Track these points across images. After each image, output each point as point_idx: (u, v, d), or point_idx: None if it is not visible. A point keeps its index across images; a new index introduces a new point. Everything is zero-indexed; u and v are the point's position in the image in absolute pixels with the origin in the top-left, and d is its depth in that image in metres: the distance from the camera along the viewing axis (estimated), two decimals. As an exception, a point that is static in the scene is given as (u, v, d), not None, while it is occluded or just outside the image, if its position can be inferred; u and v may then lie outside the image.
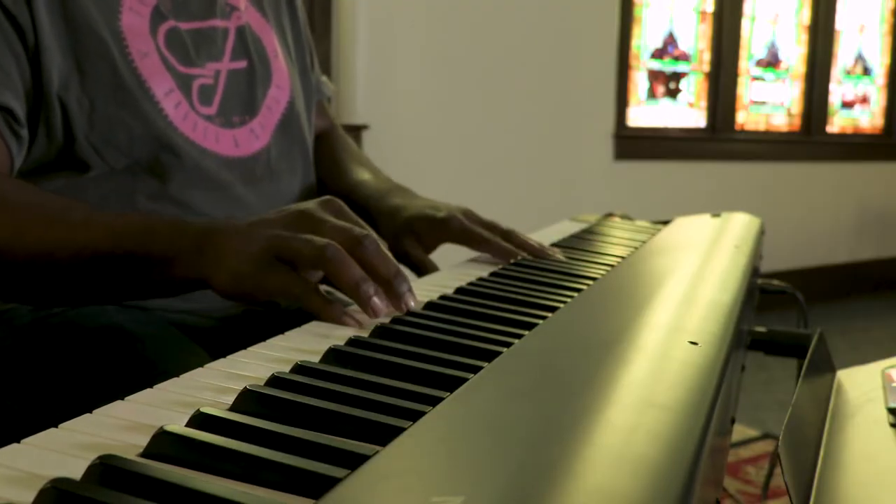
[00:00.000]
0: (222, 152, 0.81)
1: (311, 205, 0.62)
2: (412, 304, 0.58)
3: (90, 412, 0.37)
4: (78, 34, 0.72)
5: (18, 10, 0.70)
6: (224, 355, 0.47)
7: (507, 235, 0.82)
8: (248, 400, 0.39)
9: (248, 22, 0.87)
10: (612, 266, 0.78)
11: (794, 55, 4.15)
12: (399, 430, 0.36)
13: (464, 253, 0.85)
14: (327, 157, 1.02)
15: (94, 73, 0.73)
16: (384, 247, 0.60)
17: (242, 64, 0.85)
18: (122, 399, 0.39)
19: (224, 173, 0.81)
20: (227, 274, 0.59)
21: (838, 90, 4.31)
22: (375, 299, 0.55)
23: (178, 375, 0.43)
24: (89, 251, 0.64)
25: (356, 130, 2.69)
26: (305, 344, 0.50)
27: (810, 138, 4.17)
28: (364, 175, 0.98)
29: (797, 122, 4.18)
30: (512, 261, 0.79)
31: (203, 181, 0.79)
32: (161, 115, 0.76)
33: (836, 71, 4.27)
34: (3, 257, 0.65)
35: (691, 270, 0.74)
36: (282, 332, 0.53)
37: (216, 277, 0.60)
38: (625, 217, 1.21)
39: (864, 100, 4.46)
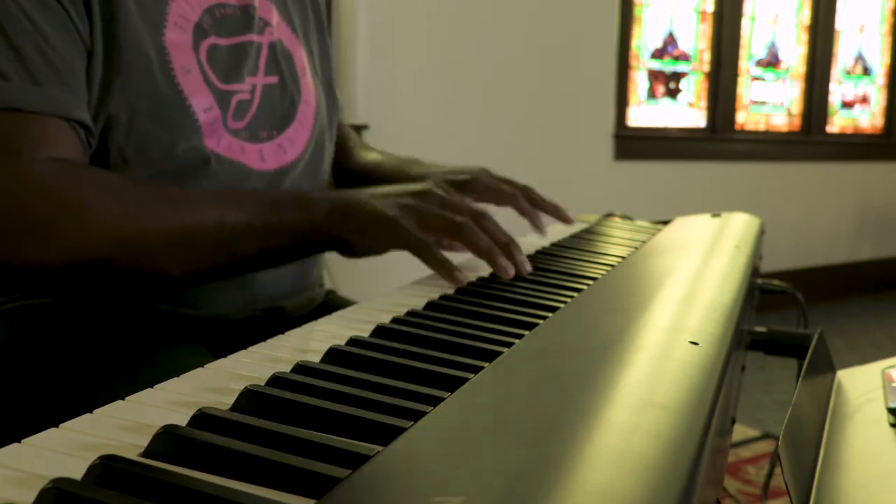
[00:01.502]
0: (248, 164, 0.81)
1: (427, 185, 0.75)
2: (528, 268, 0.73)
3: (90, 412, 0.37)
4: (122, 49, 0.71)
5: (82, 22, 0.69)
6: (226, 354, 0.47)
7: (526, 191, 0.94)
8: (248, 400, 0.39)
9: (279, 38, 0.87)
10: (612, 266, 0.78)
11: (794, 55, 4.15)
12: (399, 430, 0.36)
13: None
14: (344, 158, 1.06)
15: (135, 89, 0.72)
16: (491, 218, 0.74)
17: (274, 79, 0.85)
18: (123, 399, 0.39)
19: (245, 185, 0.81)
20: (362, 233, 0.72)
21: (838, 90, 4.31)
22: (504, 260, 0.71)
23: (178, 375, 0.44)
24: (226, 227, 0.69)
25: (356, 130, 2.69)
26: (305, 344, 0.51)
27: (810, 138, 4.17)
28: (376, 155, 1.06)
29: (797, 122, 4.18)
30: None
31: (223, 188, 0.79)
32: (199, 133, 0.75)
33: (836, 71, 4.27)
34: (144, 247, 0.67)
35: (691, 270, 0.74)
36: (282, 331, 0.53)
37: (352, 235, 0.72)
38: (625, 217, 1.21)
39: (864, 100, 4.46)
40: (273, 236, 0.71)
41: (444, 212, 0.71)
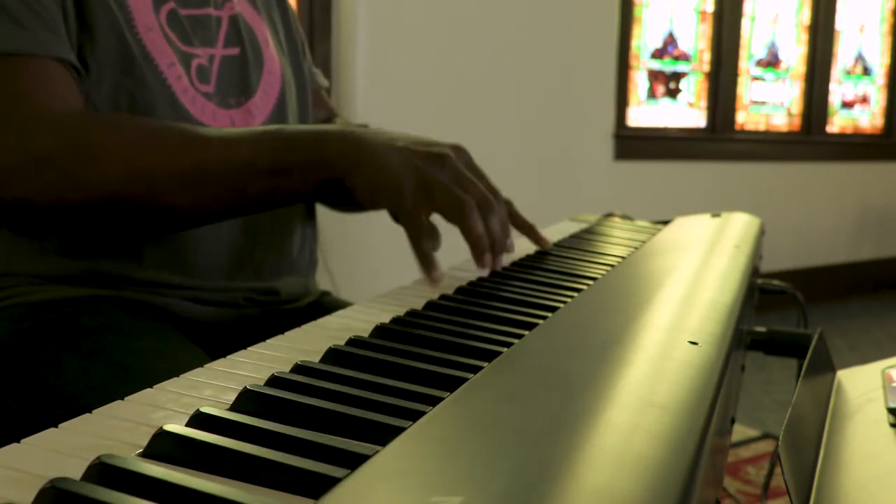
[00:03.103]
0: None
1: (447, 150, 0.72)
2: (489, 266, 0.70)
3: (90, 412, 0.37)
4: (90, 5, 0.74)
5: None
6: (222, 355, 0.47)
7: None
8: (248, 400, 0.39)
9: (240, 12, 0.90)
10: (612, 266, 0.78)
11: (794, 55, 4.15)
12: (399, 430, 0.36)
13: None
14: None
15: (104, 41, 0.75)
16: (502, 210, 0.72)
17: (235, 51, 0.87)
18: (122, 399, 0.39)
19: None
20: (366, 183, 0.69)
21: (838, 90, 4.31)
22: (488, 256, 0.69)
23: (176, 375, 0.43)
24: (234, 166, 0.69)
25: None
26: (305, 344, 0.50)
27: (810, 138, 4.17)
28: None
29: (797, 122, 4.18)
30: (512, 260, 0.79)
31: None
32: (165, 85, 0.78)
33: (836, 71, 4.27)
34: (152, 183, 0.68)
35: (691, 270, 0.74)
36: (279, 331, 0.53)
37: (358, 183, 0.69)
38: (625, 217, 1.21)
39: (864, 100, 4.46)
40: (284, 175, 0.70)
41: (453, 188, 0.69)
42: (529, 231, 0.85)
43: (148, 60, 0.77)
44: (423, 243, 0.67)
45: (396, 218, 0.76)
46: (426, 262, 0.67)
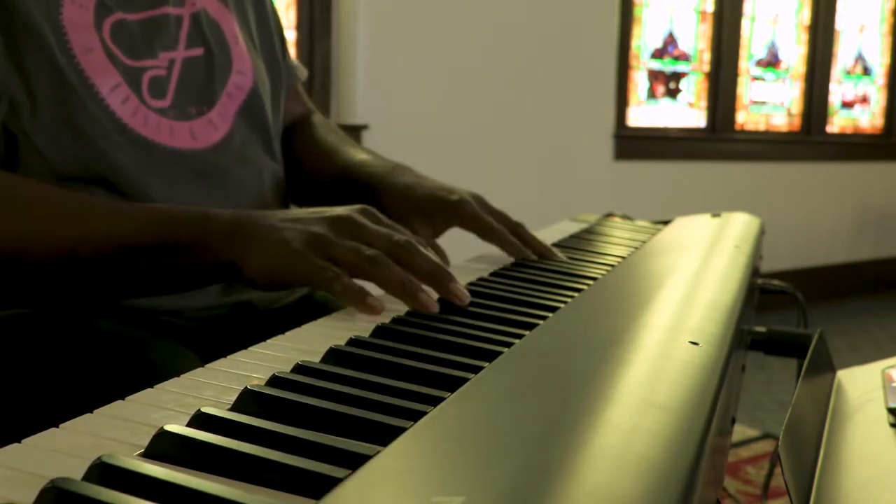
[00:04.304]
0: (178, 145, 0.78)
1: (347, 210, 0.64)
2: (465, 298, 0.60)
3: (90, 412, 0.37)
4: (15, 29, 0.69)
5: None
6: (211, 357, 0.47)
7: (515, 229, 0.82)
8: (248, 400, 0.39)
9: (203, 8, 0.84)
10: (612, 266, 0.78)
11: (794, 55, 4.15)
12: (399, 430, 0.36)
13: (468, 245, 0.84)
14: (312, 142, 0.98)
15: (35, 72, 0.69)
16: (423, 248, 0.63)
17: (199, 51, 0.81)
18: (123, 399, 0.39)
19: (177, 169, 0.78)
20: (261, 261, 0.62)
21: (838, 90, 4.31)
22: (421, 294, 0.58)
23: (163, 379, 0.43)
24: (113, 243, 0.64)
25: (356, 130, 2.69)
26: (305, 344, 0.50)
27: (810, 138, 4.17)
28: (361, 155, 0.94)
29: (797, 122, 4.18)
30: (514, 260, 0.79)
31: (156, 178, 0.76)
32: (108, 112, 0.73)
33: (836, 71, 4.27)
34: (21, 257, 0.64)
35: (691, 270, 0.74)
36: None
37: (248, 263, 0.62)
38: (625, 217, 1.21)
39: (864, 100, 4.46)
40: (166, 256, 0.64)
41: (354, 244, 0.61)
42: (545, 252, 0.80)
43: (87, 87, 0.72)
44: (344, 282, 0.59)
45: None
46: (357, 296, 0.58)
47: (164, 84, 0.78)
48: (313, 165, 0.95)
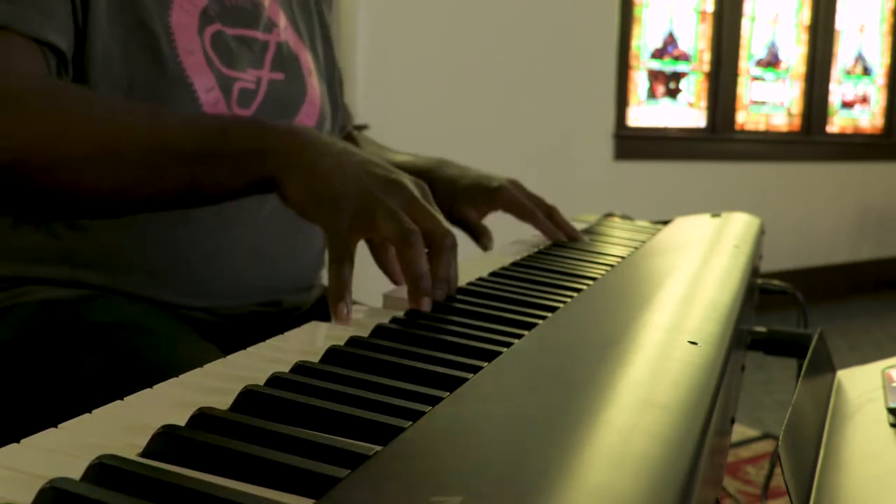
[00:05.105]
0: None
1: (407, 178, 0.62)
2: (427, 308, 0.58)
3: (90, 412, 0.37)
4: (129, 23, 0.73)
5: None
6: (235, 350, 0.47)
7: (550, 212, 0.94)
8: (248, 400, 0.39)
9: (286, 40, 0.89)
10: (612, 266, 0.78)
11: (794, 55, 4.15)
12: (399, 430, 0.36)
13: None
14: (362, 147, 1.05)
15: (139, 61, 0.73)
16: (454, 251, 0.62)
17: (280, 76, 0.86)
18: (122, 399, 0.39)
19: None
20: (303, 187, 0.59)
21: (838, 90, 4.32)
22: (426, 298, 0.58)
23: (189, 370, 0.44)
24: (156, 143, 0.62)
25: (356, 130, 2.69)
26: (305, 344, 0.51)
27: (810, 138, 4.17)
28: (405, 156, 1.04)
29: (797, 122, 4.18)
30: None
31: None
32: (199, 109, 0.77)
33: (836, 71, 4.27)
34: (62, 150, 0.61)
35: (691, 270, 0.74)
36: (288, 327, 0.53)
37: (290, 183, 0.60)
38: (625, 217, 1.21)
39: (864, 100, 4.46)
40: (209, 163, 0.61)
41: (399, 211, 0.59)
42: (573, 235, 0.92)
43: (185, 84, 0.75)
44: (343, 270, 0.58)
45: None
46: (340, 291, 0.57)
47: (251, 97, 0.82)
48: None
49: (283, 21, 0.90)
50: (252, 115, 0.81)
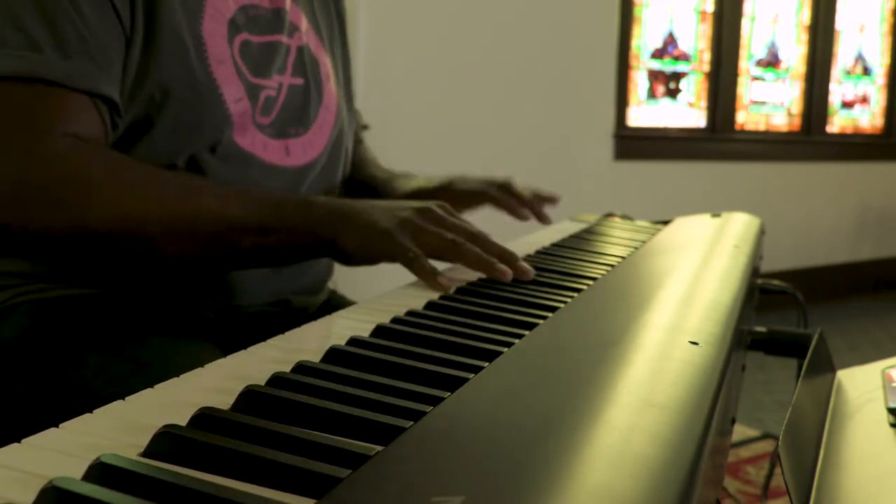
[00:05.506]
0: (268, 160, 0.83)
1: (429, 203, 0.76)
2: (531, 273, 0.71)
3: (91, 412, 0.37)
4: (162, 33, 0.74)
5: (123, 6, 0.72)
6: (236, 350, 0.48)
7: (504, 184, 1.00)
8: (248, 399, 0.39)
9: (307, 43, 0.90)
10: (612, 266, 0.78)
11: (794, 55, 4.15)
12: (399, 430, 0.36)
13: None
14: (378, 179, 1.11)
15: (171, 72, 0.74)
16: (488, 237, 0.74)
17: (300, 81, 0.88)
18: (123, 399, 0.39)
19: (263, 181, 0.82)
20: (357, 238, 0.72)
21: (838, 90, 4.31)
22: (498, 265, 0.70)
23: (190, 370, 0.44)
24: (224, 221, 0.71)
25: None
26: (306, 344, 0.51)
27: (810, 138, 4.17)
28: (418, 182, 1.08)
29: (797, 122, 4.18)
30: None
31: (240, 184, 0.80)
32: (230, 124, 0.78)
33: (836, 71, 4.27)
34: (143, 228, 0.69)
35: (691, 270, 0.74)
36: (294, 326, 0.53)
37: (345, 239, 0.72)
38: (625, 217, 1.21)
39: (864, 100, 4.46)
40: (270, 235, 0.72)
41: (439, 230, 0.72)
42: (536, 199, 0.98)
43: (216, 95, 0.77)
44: (425, 263, 0.70)
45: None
46: (431, 276, 0.69)
47: (272, 104, 0.84)
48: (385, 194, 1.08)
49: (304, 24, 0.91)
50: (271, 122, 0.84)
